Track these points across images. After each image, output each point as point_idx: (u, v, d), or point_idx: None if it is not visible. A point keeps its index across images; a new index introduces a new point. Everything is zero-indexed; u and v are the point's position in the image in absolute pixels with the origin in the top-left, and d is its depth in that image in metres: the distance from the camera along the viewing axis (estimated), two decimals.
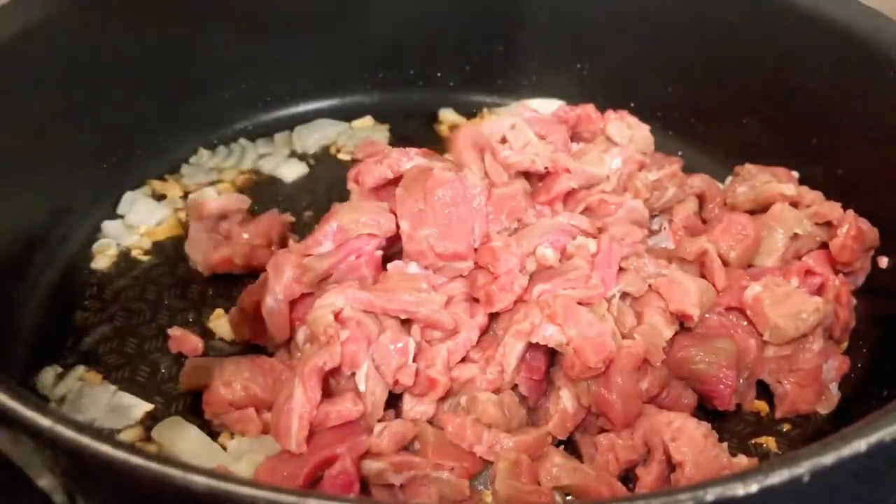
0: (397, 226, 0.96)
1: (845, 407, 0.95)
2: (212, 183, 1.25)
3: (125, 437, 0.92)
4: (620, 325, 0.93)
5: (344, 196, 1.03)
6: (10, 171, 1.02)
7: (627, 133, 1.13)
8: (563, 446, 0.91)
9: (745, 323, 0.97)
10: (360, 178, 1.00)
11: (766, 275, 0.98)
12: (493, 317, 0.95)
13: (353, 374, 0.88)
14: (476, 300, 0.95)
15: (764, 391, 0.98)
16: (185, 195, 1.23)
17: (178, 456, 0.90)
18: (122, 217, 1.18)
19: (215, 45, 1.24)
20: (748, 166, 1.12)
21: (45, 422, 0.60)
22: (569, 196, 1.03)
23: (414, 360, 0.89)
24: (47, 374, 0.98)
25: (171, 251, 1.14)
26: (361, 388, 0.87)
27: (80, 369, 0.99)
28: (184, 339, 1.01)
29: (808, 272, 1.00)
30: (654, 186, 1.07)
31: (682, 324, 0.95)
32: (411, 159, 0.99)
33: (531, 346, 0.91)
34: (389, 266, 0.95)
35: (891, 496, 0.68)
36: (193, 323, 1.05)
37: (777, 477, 0.57)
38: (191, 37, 1.21)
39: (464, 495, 0.86)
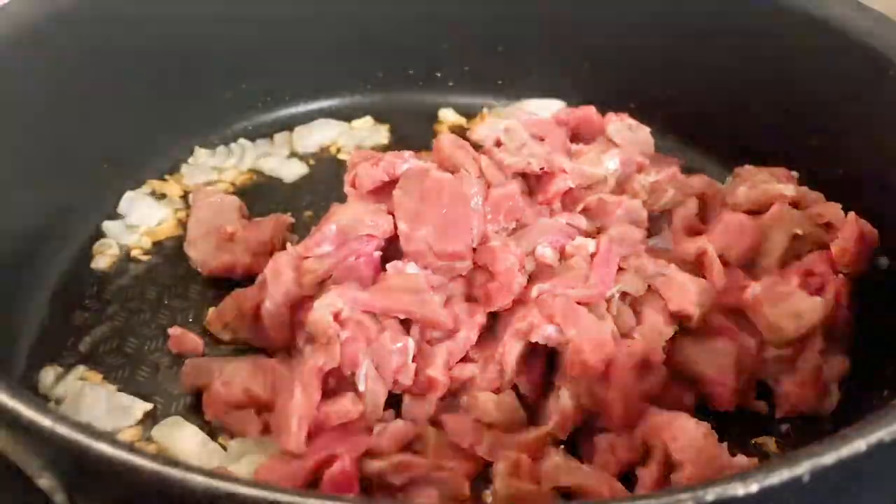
0: (395, 227, 0.96)
1: (846, 407, 0.95)
2: (211, 183, 1.25)
3: (125, 436, 0.92)
4: (620, 325, 0.93)
5: (344, 197, 1.03)
6: (10, 170, 1.02)
7: (628, 134, 1.13)
8: (563, 446, 0.91)
9: (745, 323, 0.96)
10: (357, 181, 1.00)
11: (766, 275, 0.98)
12: (493, 317, 0.95)
13: (353, 374, 0.88)
14: (475, 300, 0.95)
15: (764, 391, 0.97)
16: (185, 195, 1.22)
17: (178, 456, 0.90)
18: (122, 217, 1.18)
19: (215, 44, 1.24)
20: (748, 167, 1.12)
21: (45, 422, 0.60)
22: (567, 197, 1.03)
23: (413, 360, 0.89)
24: (47, 374, 0.98)
25: (171, 251, 1.14)
26: (361, 388, 0.87)
27: (80, 369, 0.99)
28: (184, 338, 1.00)
29: (808, 273, 0.99)
30: (652, 188, 1.07)
31: (682, 324, 0.95)
32: (406, 161, 1.00)
33: (530, 346, 0.91)
34: (388, 266, 0.95)
35: (892, 496, 0.68)
36: (193, 323, 1.04)
37: (777, 477, 0.57)
38: (191, 37, 1.21)
39: (464, 495, 0.86)
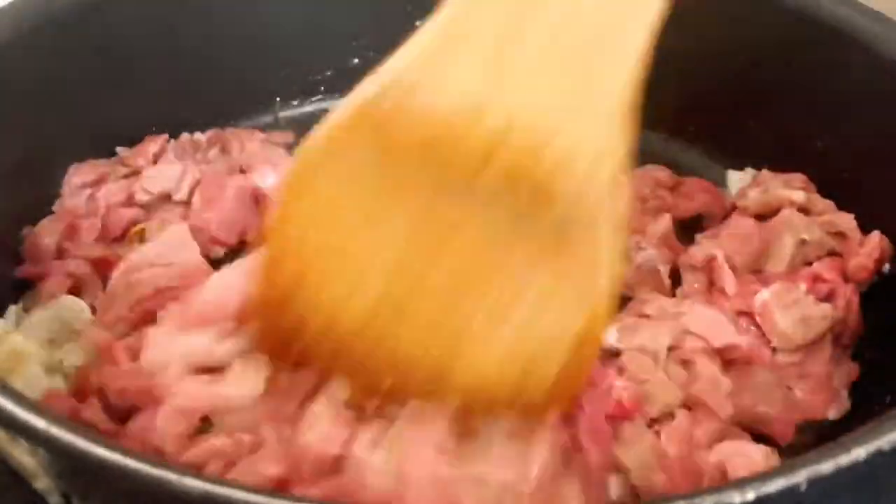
0: None
1: (851, 414, 0.94)
2: None
3: None
4: (677, 384, 0.86)
5: None
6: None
7: None
8: None
9: (754, 328, 0.95)
10: None
11: (775, 280, 0.98)
12: None
13: None
14: None
15: None
16: None
17: None
18: None
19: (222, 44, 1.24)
20: (764, 172, 1.11)
21: (40, 423, 0.60)
22: None
23: None
24: None
25: None
26: None
27: None
28: None
29: (817, 279, 0.99)
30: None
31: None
32: None
33: None
34: None
35: None
36: None
37: (774, 485, 0.56)
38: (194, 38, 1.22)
39: None
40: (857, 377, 0.96)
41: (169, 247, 0.95)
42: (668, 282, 1.02)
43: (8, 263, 0.99)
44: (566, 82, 0.62)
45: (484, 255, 0.65)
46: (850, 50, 1.03)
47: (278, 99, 1.31)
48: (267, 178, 1.09)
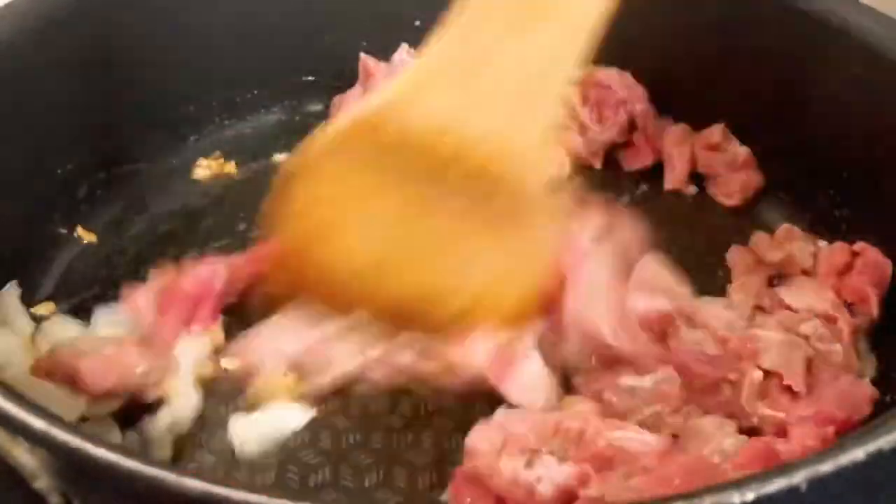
0: None
1: None
2: None
3: None
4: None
5: None
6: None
7: None
8: None
9: None
10: None
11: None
12: None
13: None
14: None
15: None
16: None
17: None
18: None
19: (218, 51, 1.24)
20: (790, 227, 1.08)
21: (39, 424, 0.60)
22: None
23: None
24: None
25: None
26: None
27: None
28: None
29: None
30: None
31: None
32: None
33: None
34: None
35: None
36: None
37: (774, 485, 0.56)
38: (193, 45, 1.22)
39: None
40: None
41: None
42: None
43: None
44: (512, 108, 0.81)
45: (452, 226, 0.86)
46: (849, 48, 1.02)
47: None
48: None
